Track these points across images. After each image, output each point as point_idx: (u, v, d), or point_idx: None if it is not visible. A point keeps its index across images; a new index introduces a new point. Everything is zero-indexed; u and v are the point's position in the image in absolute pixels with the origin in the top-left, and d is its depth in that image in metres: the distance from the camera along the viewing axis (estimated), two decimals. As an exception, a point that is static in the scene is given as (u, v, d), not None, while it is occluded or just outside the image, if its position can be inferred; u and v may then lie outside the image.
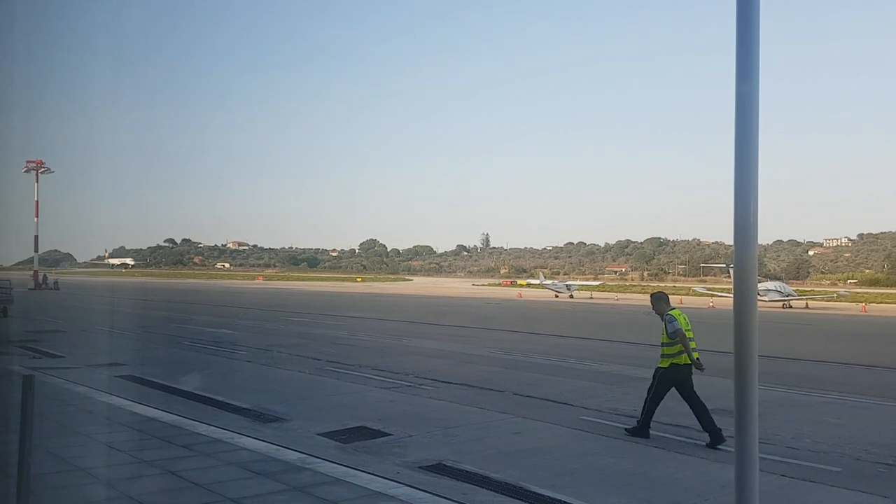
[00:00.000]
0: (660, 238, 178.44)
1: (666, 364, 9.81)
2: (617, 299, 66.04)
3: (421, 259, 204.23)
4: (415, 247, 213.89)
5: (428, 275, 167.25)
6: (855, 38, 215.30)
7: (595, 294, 75.16)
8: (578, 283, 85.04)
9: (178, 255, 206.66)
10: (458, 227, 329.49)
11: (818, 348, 24.32)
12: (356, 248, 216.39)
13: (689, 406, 9.88)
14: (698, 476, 8.08)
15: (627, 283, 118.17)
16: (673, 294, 75.12)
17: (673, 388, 9.93)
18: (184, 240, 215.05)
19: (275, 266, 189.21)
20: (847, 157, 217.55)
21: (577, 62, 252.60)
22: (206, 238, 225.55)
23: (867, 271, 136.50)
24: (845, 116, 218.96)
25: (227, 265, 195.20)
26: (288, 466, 7.97)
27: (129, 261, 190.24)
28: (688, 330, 9.73)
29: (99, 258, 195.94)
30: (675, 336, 9.65)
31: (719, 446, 9.26)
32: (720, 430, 9.43)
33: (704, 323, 36.49)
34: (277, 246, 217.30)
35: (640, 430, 10.00)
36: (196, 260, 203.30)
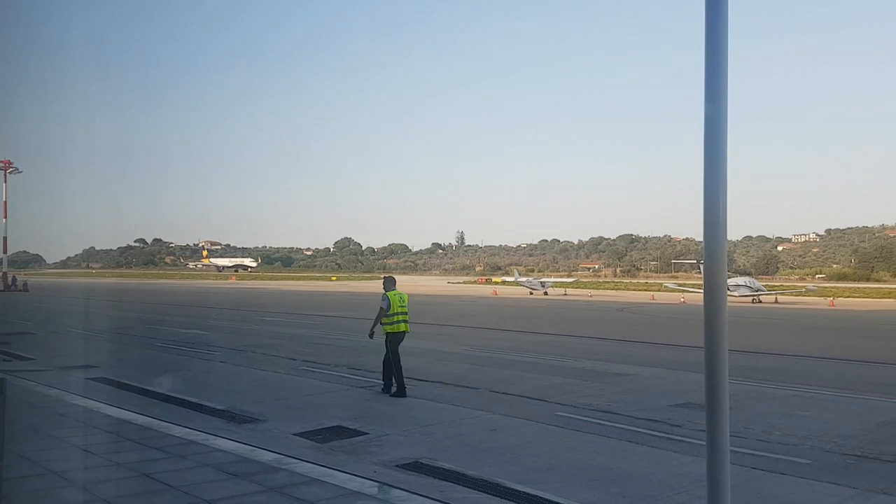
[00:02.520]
0: (632, 235, 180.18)
1: (382, 332, 12.88)
2: (591, 296, 66.51)
3: (396, 257, 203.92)
4: (390, 245, 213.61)
5: (403, 273, 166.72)
6: (823, 35, 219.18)
7: (569, 290, 75.64)
8: (553, 279, 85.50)
9: (149, 255, 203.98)
10: (433, 225, 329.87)
11: (787, 342, 24.74)
12: (331, 246, 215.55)
13: (391, 361, 12.74)
14: (671, 470, 8.20)
15: (601, 280, 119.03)
16: (645, 290, 76.34)
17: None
18: (155, 239, 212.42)
19: (179, 266, 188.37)
20: (815, 154, 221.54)
21: (550, 60, 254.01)
22: (178, 238, 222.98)
23: (835, 266, 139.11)
24: (814, 113, 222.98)
25: (199, 265, 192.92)
26: (264, 467, 7.94)
27: (249, 261, 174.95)
28: (401, 308, 12.91)
29: (195, 256, 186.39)
30: (380, 312, 12.85)
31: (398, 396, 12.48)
32: (400, 391, 12.57)
33: (676, 318, 36.99)
34: (251, 245, 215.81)
35: (399, 391, 12.63)
36: (168, 259, 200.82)
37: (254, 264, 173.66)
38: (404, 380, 12.75)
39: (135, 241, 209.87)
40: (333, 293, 66.46)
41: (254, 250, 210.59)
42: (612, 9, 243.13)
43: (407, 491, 7.17)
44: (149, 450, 8.64)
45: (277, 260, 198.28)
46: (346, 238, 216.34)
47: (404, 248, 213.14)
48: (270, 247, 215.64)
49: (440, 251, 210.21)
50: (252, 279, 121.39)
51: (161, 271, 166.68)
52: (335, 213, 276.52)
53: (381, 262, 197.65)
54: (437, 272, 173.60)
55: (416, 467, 8.17)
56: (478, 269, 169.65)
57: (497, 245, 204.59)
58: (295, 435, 9.76)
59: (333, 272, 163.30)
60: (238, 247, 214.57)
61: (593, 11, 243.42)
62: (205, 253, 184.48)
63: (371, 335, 13.13)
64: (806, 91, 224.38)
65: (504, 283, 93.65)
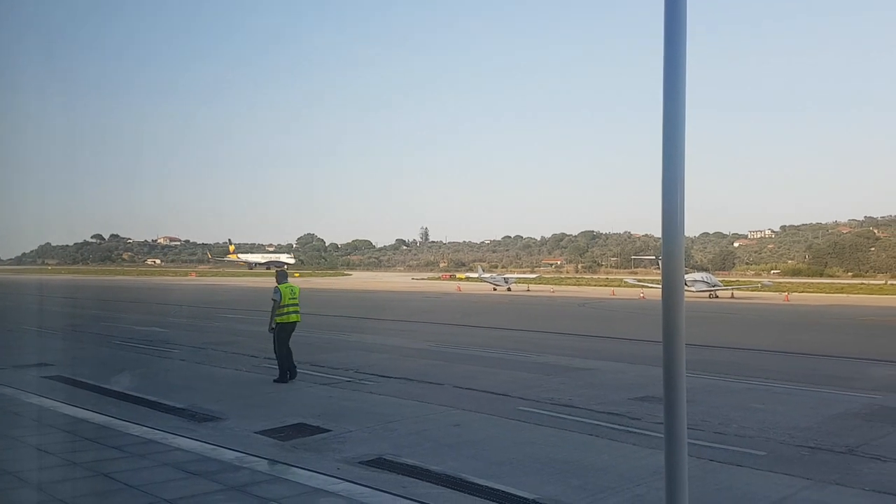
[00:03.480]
0: (593, 231, 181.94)
1: (273, 323, 13.65)
2: (553, 291, 67.10)
3: (360, 253, 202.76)
4: (353, 241, 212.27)
5: (367, 269, 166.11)
6: (779, 35, 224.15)
7: (532, 286, 76.14)
8: (516, 275, 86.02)
9: (106, 251, 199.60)
10: (396, 222, 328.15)
11: (743, 337, 25.32)
12: (293, 242, 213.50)
13: (280, 349, 13.63)
14: (631, 462, 8.35)
15: (563, 276, 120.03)
16: (606, 285, 77.26)
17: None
18: (112, 235, 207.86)
19: (209, 262, 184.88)
20: (771, 151, 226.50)
21: (514, 59, 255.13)
22: (136, 234, 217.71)
23: (789, 262, 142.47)
24: (769, 113, 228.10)
25: (157, 261, 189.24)
26: (225, 466, 7.86)
27: (286, 258, 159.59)
28: (292, 300, 13.70)
29: (222, 252, 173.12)
30: (273, 304, 13.59)
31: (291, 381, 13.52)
32: (293, 375, 13.64)
33: (636, 313, 37.55)
34: (211, 241, 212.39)
35: (282, 376, 13.60)
36: (125, 256, 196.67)
37: (291, 261, 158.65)
38: (294, 367, 13.91)
39: (91, 237, 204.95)
40: (296, 289, 65.88)
41: (213, 246, 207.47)
42: (574, 4, 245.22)
43: (370, 487, 7.17)
44: (106, 449, 8.49)
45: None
46: (308, 234, 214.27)
47: (368, 244, 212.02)
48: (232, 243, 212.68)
49: (404, 247, 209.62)
50: (212, 276, 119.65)
51: (119, 268, 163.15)
52: (298, 208, 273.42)
53: (344, 258, 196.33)
54: (401, 268, 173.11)
55: (380, 463, 8.17)
56: (442, 265, 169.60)
57: (461, 241, 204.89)
58: (256, 433, 9.67)
59: (296, 268, 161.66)
60: (198, 242, 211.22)
61: (556, 7, 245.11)
62: (231, 248, 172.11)
63: (271, 329, 13.73)
64: (759, 92, 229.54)
65: (468, 279, 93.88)
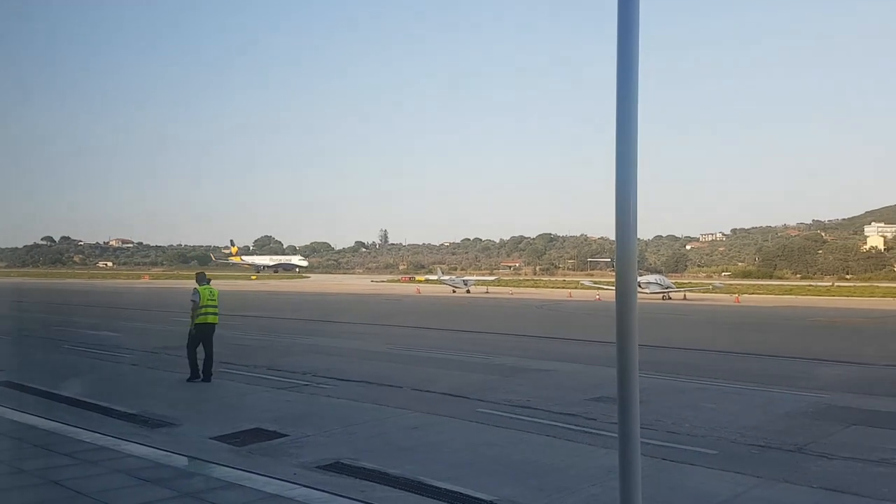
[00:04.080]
0: (550, 234, 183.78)
1: (193, 324, 14.04)
2: (511, 293, 67.57)
3: (318, 256, 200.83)
4: (312, 243, 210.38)
5: (326, 272, 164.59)
6: (729, 43, 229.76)
7: (491, 288, 76.54)
8: (475, 278, 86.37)
9: (56, 253, 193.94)
10: (356, 224, 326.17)
11: (695, 337, 25.88)
12: (251, 245, 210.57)
13: (191, 349, 14.06)
14: (587, 462, 8.47)
15: (521, 278, 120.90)
16: (563, 287, 78.02)
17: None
18: (62, 237, 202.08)
19: (162, 265, 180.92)
20: (722, 157, 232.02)
21: (468, 62, 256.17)
22: (87, 236, 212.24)
23: (740, 264, 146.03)
24: (721, 119, 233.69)
25: (109, 264, 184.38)
26: (179, 472, 7.73)
27: (298, 259, 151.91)
28: (211, 301, 14.12)
29: (225, 254, 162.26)
30: (193, 305, 14.05)
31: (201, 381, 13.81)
32: (206, 377, 13.92)
33: (592, 315, 38.04)
34: (165, 243, 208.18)
35: (193, 376, 13.90)
36: (76, 259, 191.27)
37: (304, 263, 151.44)
38: (210, 369, 14.20)
39: (41, 239, 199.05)
40: (253, 292, 65.00)
41: (168, 248, 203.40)
42: (531, 7, 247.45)
43: (327, 492, 7.13)
44: (56, 456, 8.27)
45: (194, 258, 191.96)
46: (266, 236, 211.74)
47: (327, 247, 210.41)
48: (186, 245, 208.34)
49: (363, 249, 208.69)
50: (166, 278, 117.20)
51: (69, 270, 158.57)
52: (255, 210, 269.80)
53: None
54: (361, 271, 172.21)
55: (338, 468, 8.12)
56: (401, 267, 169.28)
57: (420, 244, 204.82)
58: (211, 439, 9.53)
59: (253, 271, 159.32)
60: (151, 245, 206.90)
61: (511, 15, 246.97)
62: (234, 249, 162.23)
63: (192, 329, 14.12)
64: (710, 98, 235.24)
65: (427, 281, 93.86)
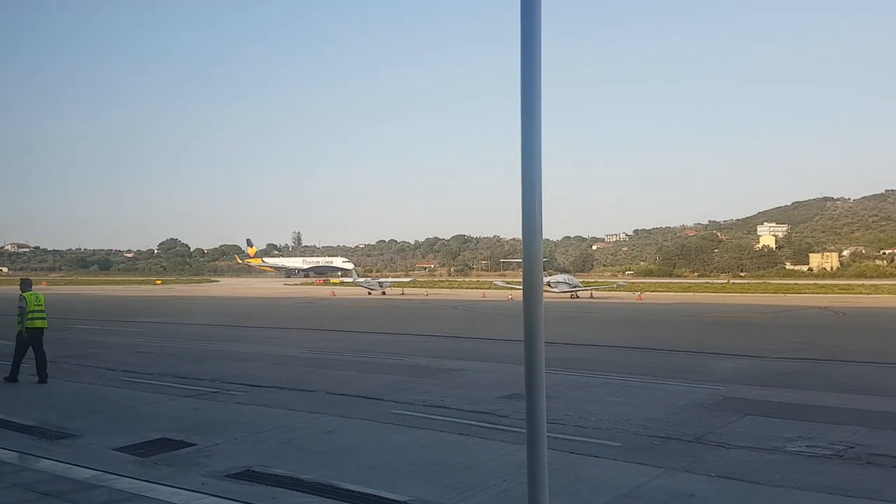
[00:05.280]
0: (465, 235, 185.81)
1: (21, 328, 14.42)
2: (427, 294, 67.83)
3: (228, 259, 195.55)
4: (221, 246, 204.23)
5: (237, 275, 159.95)
6: (635, 48, 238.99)
7: (406, 290, 76.57)
8: (390, 279, 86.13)
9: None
10: (268, 226, 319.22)
11: (601, 334, 26.77)
12: (155, 248, 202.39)
13: (19, 353, 14.49)
14: (498, 459, 8.64)
15: (436, 279, 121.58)
16: (477, 288, 78.95)
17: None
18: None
19: (61, 269, 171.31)
20: (625, 162, 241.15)
21: (383, 63, 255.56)
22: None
23: (642, 263, 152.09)
24: (623, 126, 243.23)
25: (4, 269, 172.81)
26: (80, 485, 7.39)
27: (341, 261, 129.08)
28: (37, 306, 14.54)
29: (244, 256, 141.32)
30: (20, 311, 14.41)
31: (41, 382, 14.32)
32: (47, 375, 14.46)
33: (504, 314, 38.73)
34: (63, 247, 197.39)
35: (12, 377, 14.33)
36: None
37: (349, 266, 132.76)
38: (46, 373, 14.59)
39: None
40: (158, 297, 62.55)
41: (66, 253, 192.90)
42: (440, 10, 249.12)
43: (237, 501, 6.99)
44: (-61, 477, 7.73)
45: (94, 263, 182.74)
46: (171, 239, 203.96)
47: (237, 249, 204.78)
48: (85, 248, 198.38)
49: (276, 252, 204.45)
50: (65, 284, 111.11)
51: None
52: (159, 212, 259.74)
53: (211, 263, 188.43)
54: (274, 273, 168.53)
55: (248, 476, 7.97)
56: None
57: (335, 246, 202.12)
58: (114, 450, 9.15)
59: (158, 275, 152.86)
60: (48, 249, 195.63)
61: (429, 10, 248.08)
62: (252, 251, 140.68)
63: (21, 334, 14.45)
64: (612, 106, 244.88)
65: (342, 283, 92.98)
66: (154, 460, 8.68)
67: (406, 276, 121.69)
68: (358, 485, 7.55)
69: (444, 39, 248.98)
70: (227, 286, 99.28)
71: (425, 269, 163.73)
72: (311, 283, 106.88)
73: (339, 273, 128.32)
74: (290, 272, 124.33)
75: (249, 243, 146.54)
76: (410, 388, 13.80)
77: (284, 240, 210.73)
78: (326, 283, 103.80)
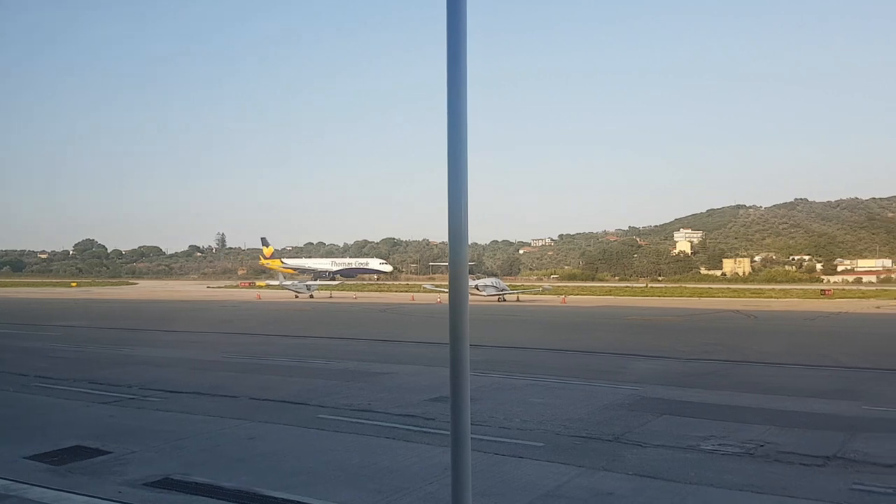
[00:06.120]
0: (394, 238, 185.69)
1: None
2: (355, 298, 67.31)
3: (147, 261, 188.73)
4: (140, 247, 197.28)
5: (156, 277, 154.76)
6: (557, 57, 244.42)
7: (335, 293, 75.76)
8: (318, 283, 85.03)
9: None
10: (189, 227, 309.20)
11: (526, 336, 27.23)
12: (70, 249, 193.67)
13: None
14: (423, 461, 8.71)
15: (365, 283, 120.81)
16: (406, 291, 78.94)
17: None
18: None
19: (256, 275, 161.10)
20: (551, 169, 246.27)
21: (309, 64, 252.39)
22: None
23: (566, 267, 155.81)
24: (548, 135, 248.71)
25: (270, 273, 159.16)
26: (-15, 498, 7.04)
27: (377, 263, 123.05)
28: None
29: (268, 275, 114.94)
30: None
31: None
32: None
33: (432, 317, 38.88)
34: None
35: None
36: None
37: (387, 269, 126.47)
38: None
39: None
40: (73, 301, 59.84)
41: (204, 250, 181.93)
42: (373, 14, 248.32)
43: (156, 508, 6.81)
44: None
45: (5, 264, 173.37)
46: (88, 239, 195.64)
47: (157, 251, 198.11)
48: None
49: (198, 254, 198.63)
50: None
51: None
52: (74, 212, 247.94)
53: (129, 265, 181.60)
54: (196, 276, 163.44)
55: (167, 484, 7.77)
56: (240, 272, 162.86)
57: (261, 248, 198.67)
58: (26, 458, 8.76)
59: (73, 277, 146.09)
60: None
61: (369, 15, 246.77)
62: (268, 251, 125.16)
63: None
64: (539, 112, 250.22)
65: (269, 286, 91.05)
66: (68, 468, 8.35)
67: (333, 279, 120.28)
68: (280, 491, 7.47)
69: (375, 46, 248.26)
70: (147, 289, 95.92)
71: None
72: (236, 286, 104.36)
73: (376, 276, 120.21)
74: (317, 274, 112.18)
75: (265, 243, 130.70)
76: (337, 393, 13.71)
77: (208, 241, 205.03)
78: (252, 286, 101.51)
